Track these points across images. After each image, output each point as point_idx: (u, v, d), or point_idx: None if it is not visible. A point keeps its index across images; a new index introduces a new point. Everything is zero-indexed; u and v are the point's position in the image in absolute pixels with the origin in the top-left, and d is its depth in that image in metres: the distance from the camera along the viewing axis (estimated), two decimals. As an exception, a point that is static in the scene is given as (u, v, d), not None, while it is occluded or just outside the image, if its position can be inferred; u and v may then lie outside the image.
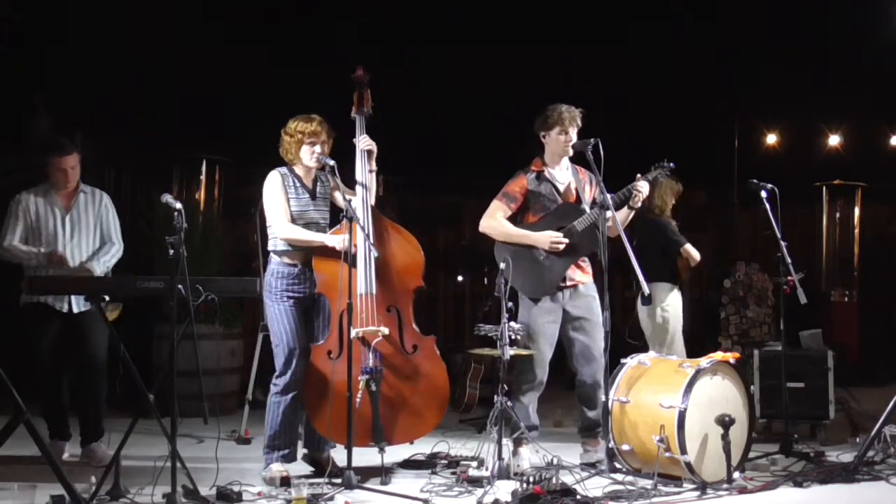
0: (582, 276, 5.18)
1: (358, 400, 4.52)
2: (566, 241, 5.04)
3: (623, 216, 5.06)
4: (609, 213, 4.84)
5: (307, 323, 4.77)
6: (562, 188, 5.19)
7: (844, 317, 9.79)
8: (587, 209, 5.07)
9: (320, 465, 4.73)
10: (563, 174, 5.21)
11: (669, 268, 6.16)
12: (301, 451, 4.85)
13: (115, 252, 5.27)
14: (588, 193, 5.17)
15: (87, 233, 5.17)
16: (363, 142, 4.87)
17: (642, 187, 5.00)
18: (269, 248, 4.79)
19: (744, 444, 4.71)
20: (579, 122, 5.10)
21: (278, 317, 4.67)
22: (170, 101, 7.35)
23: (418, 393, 4.76)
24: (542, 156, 5.20)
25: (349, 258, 4.52)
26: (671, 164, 5.06)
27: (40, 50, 7.22)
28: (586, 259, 5.21)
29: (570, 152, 5.12)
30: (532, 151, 5.26)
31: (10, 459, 4.67)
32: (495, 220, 5.17)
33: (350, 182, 4.84)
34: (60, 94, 7.30)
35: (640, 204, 5.07)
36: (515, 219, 5.19)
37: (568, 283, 5.12)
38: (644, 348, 5.54)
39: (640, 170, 5.08)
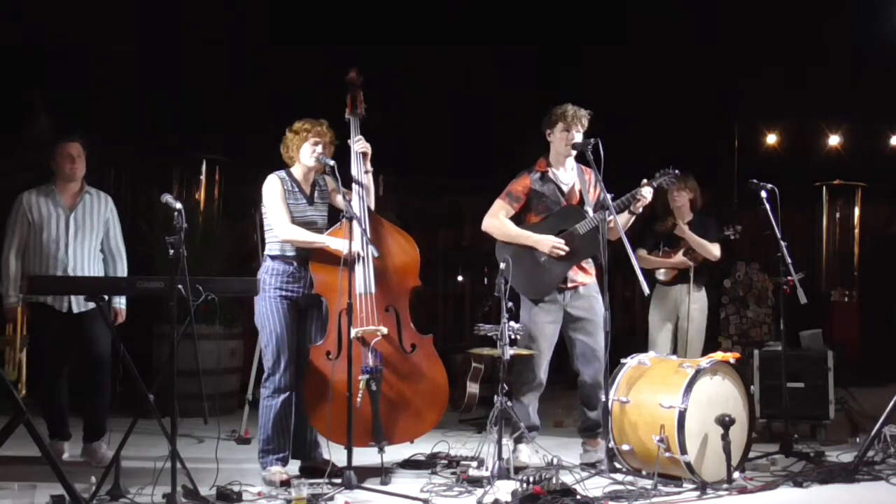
0: (584, 277, 5.18)
1: (359, 400, 4.52)
2: (566, 249, 5.04)
3: (623, 220, 5.05)
4: (610, 215, 4.84)
5: (301, 324, 4.76)
6: (566, 189, 5.19)
7: (844, 317, 9.78)
8: (590, 211, 5.06)
9: (318, 468, 4.71)
10: (567, 175, 5.21)
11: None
12: (294, 462, 4.84)
13: (123, 269, 5.29)
14: (592, 195, 5.17)
15: (91, 233, 5.17)
16: (358, 144, 4.87)
17: (646, 193, 4.98)
18: (266, 252, 4.77)
19: (744, 444, 4.71)
20: (585, 123, 5.10)
21: (270, 316, 4.65)
22: (170, 101, 7.35)
23: (418, 392, 4.76)
24: (548, 156, 5.20)
25: (350, 263, 4.53)
26: (676, 171, 5.03)
27: (40, 50, 7.22)
28: (589, 260, 5.21)
29: (573, 152, 5.12)
30: (532, 151, 5.26)
31: (10, 459, 4.66)
32: (498, 220, 5.18)
33: (348, 183, 4.84)
34: (60, 94, 7.29)
35: (640, 210, 5.06)
36: (518, 218, 5.20)
37: (569, 285, 5.12)
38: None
39: (640, 170, 5.07)
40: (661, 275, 6.19)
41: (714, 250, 6.11)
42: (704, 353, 4.90)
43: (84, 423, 5.16)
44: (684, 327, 6.15)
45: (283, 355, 4.65)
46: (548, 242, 5.06)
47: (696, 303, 6.14)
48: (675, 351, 6.08)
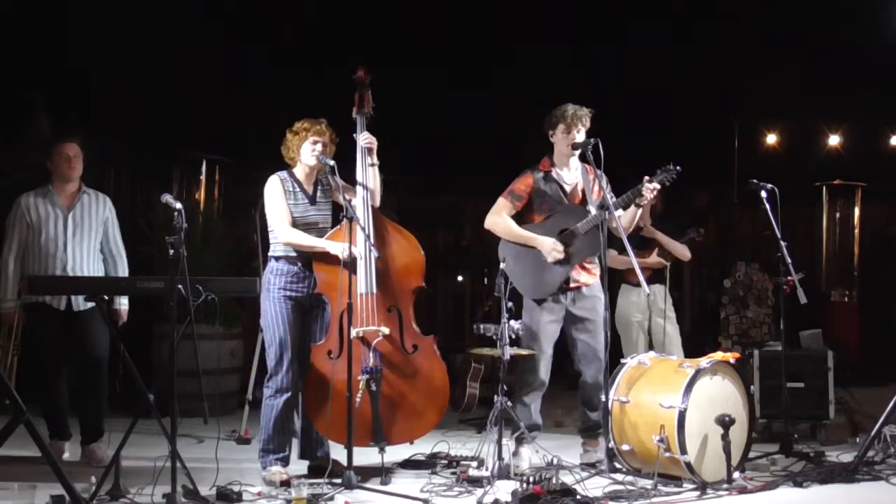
0: (587, 277, 5.17)
1: (358, 400, 4.52)
2: (562, 256, 5.03)
3: (630, 216, 5.05)
4: (610, 214, 4.84)
5: (305, 324, 4.76)
6: (568, 189, 5.19)
7: (844, 317, 9.79)
8: (593, 210, 5.06)
9: (322, 467, 4.71)
10: (570, 175, 5.21)
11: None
12: (301, 462, 4.84)
13: (124, 269, 5.29)
14: (595, 194, 5.16)
15: (90, 233, 5.18)
16: (364, 139, 4.87)
17: (647, 192, 4.93)
18: (270, 252, 4.78)
19: (744, 444, 4.71)
20: (587, 123, 5.09)
21: (274, 316, 4.65)
22: (170, 100, 7.35)
23: (418, 393, 4.76)
24: (551, 156, 5.20)
25: (350, 265, 4.53)
26: (677, 168, 5.00)
27: (40, 49, 7.22)
28: (594, 261, 5.19)
29: (575, 152, 5.12)
30: (532, 151, 5.26)
31: (10, 459, 4.67)
32: (500, 218, 5.18)
33: (352, 182, 4.84)
34: (60, 94, 7.30)
35: (646, 202, 5.03)
36: (520, 217, 5.20)
37: (572, 285, 5.12)
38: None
39: (640, 170, 5.06)
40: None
41: (686, 252, 6.29)
42: (702, 353, 4.90)
43: (82, 424, 5.16)
44: (661, 325, 6.18)
45: (285, 355, 4.65)
46: (549, 245, 5.05)
47: (667, 301, 6.24)
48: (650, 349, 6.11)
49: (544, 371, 5.10)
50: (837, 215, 10.20)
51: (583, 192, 5.19)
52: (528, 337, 5.00)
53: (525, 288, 5.07)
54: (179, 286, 4.01)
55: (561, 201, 5.16)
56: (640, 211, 5.11)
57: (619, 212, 4.89)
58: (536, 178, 5.17)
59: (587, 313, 5.10)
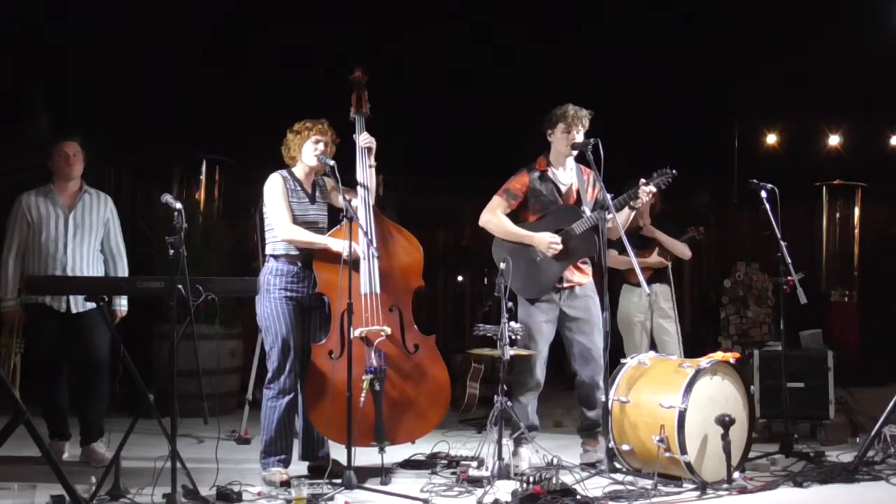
0: (580, 277, 5.18)
1: (362, 400, 4.52)
2: (560, 248, 5.03)
3: (624, 217, 5.06)
4: (609, 215, 4.84)
5: (305, 323, 4.76)
6: (564, 189, 5.19)
7: (844, 317, 9.79)
8: (587, 211, 5.07)
9: (322, 468, 4.72)
10: (566, 175, 5.20)
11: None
12: (302, 463, 4.84)
13: (124, 269, 5.29)
14: (590, 195, 5.17)
15: (91, 233, 5.18)
16: (363, 139, 4.88)
17: (643, 194, 4.94)
18: (268, 251, 4.77)
19: (744, 444, 4.71)
20: (586, 124, 5.08)
21: (274, 317, 4.65)
22: (170, 100, 7.35)
23: (420, 392, 4.76)
24: (548, 155, 5.20)
25: (351, 263, 4.53)
26: (674, 171, 5.00)
27: (40, 49, 7.22)
28: (586, 261, 5.20)
29: (573, 152, 5.12)
30: (531, 151, 5.26)
31: (10, 459, 4.66)
32: (495, 216, 5.18)
33: (351, 182, 4.84)
34: (60, 93, 7.29)
35: (640, 205, 5.05)
36: (515, 217, 5.20)
37: (565, 285, 5.12)
38: None
39: (640, 171, 5.07)
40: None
41: (686, 250, 6.30)
42: (702, 353, 4.90)
43: (82, 424, 5.16)
44: (662, 325, 6.18)
45: (288, 357, 4.64)
46: (546, 241, 5.05)
47: (669, 301, 6.23)
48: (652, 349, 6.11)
49: (540, 371, 5.10)
50: (837, 215, 10.19)
51: (577, 192, 5.19)
52: (525, 336, 5.00)
53: (518, 287, 5.07)
54: (179, 286, 4.01)
55: (556, 201, 5.16)
56: (633, 213, 5.12)
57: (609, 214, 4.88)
58: (532, 177, 5.17)
59: (580, 313, 5.10)
